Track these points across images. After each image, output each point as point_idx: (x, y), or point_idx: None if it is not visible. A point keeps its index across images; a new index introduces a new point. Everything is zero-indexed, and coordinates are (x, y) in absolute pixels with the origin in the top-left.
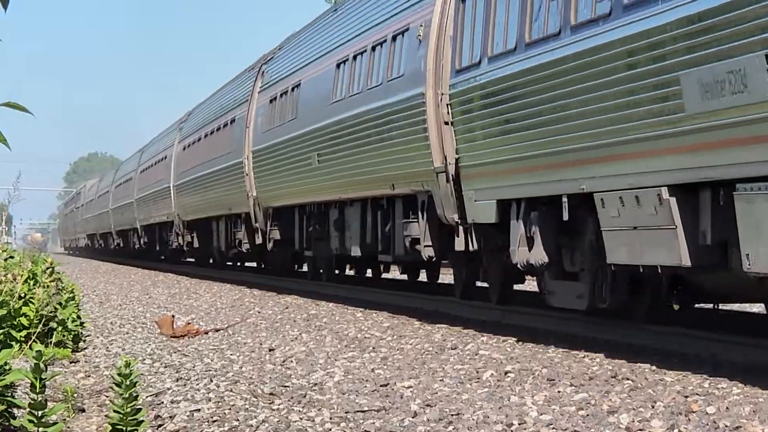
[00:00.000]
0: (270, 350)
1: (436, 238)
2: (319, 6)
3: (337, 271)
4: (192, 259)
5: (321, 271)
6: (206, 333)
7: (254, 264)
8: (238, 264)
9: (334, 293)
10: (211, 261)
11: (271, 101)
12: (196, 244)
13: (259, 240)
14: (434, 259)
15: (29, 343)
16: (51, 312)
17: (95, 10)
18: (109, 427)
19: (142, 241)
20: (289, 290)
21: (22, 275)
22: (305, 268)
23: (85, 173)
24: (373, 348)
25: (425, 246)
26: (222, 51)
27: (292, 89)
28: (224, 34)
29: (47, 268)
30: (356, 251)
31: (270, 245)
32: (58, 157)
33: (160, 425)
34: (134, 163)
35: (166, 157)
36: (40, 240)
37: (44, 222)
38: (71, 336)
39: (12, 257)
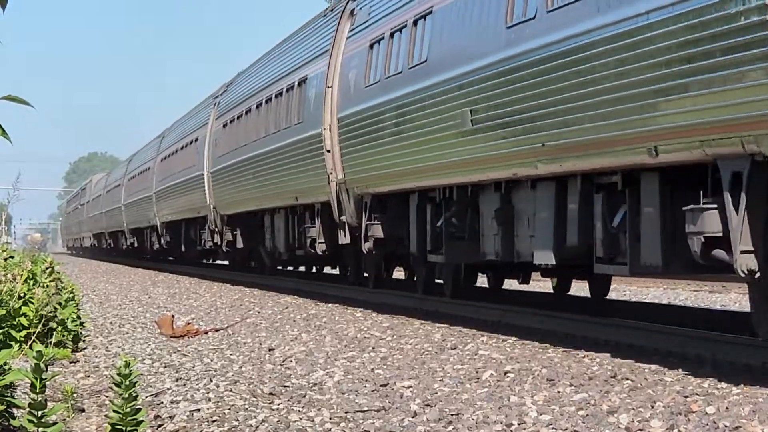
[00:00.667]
0: (270, 350)
1: (760, 237)
2: (319, 6)
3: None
4: (226, 262)
5: (442, 282)
6: (206, 333)
7: (305, 269)
8: (291, 269)
9: (334, 293)
10: (252, 264)
11: (371, 46)
12: (239, 244)
13: (344, 239)
14: (757, 274)
15: (29, 343)
16: (51, 312)
17: (95, 10)
18: (109, 427)
19: (163, 241)
20: (288, 290)
21: (21, 275)
22: (395, 274)
23: (85, 173)
24: (373, 348)
25: (743, 252)
26: (222, 51)
27: (414, 23)
28: (224, 34)
29: (47, 268)
30: (545, 257)
31: (368, 246)
32: (58, 157)
33: (159, 425)
34: (152, 151)
35: (197, 139)
36: (39, 240)
37: (44, 222)
38: (71, 336)
39: (12, 257)
